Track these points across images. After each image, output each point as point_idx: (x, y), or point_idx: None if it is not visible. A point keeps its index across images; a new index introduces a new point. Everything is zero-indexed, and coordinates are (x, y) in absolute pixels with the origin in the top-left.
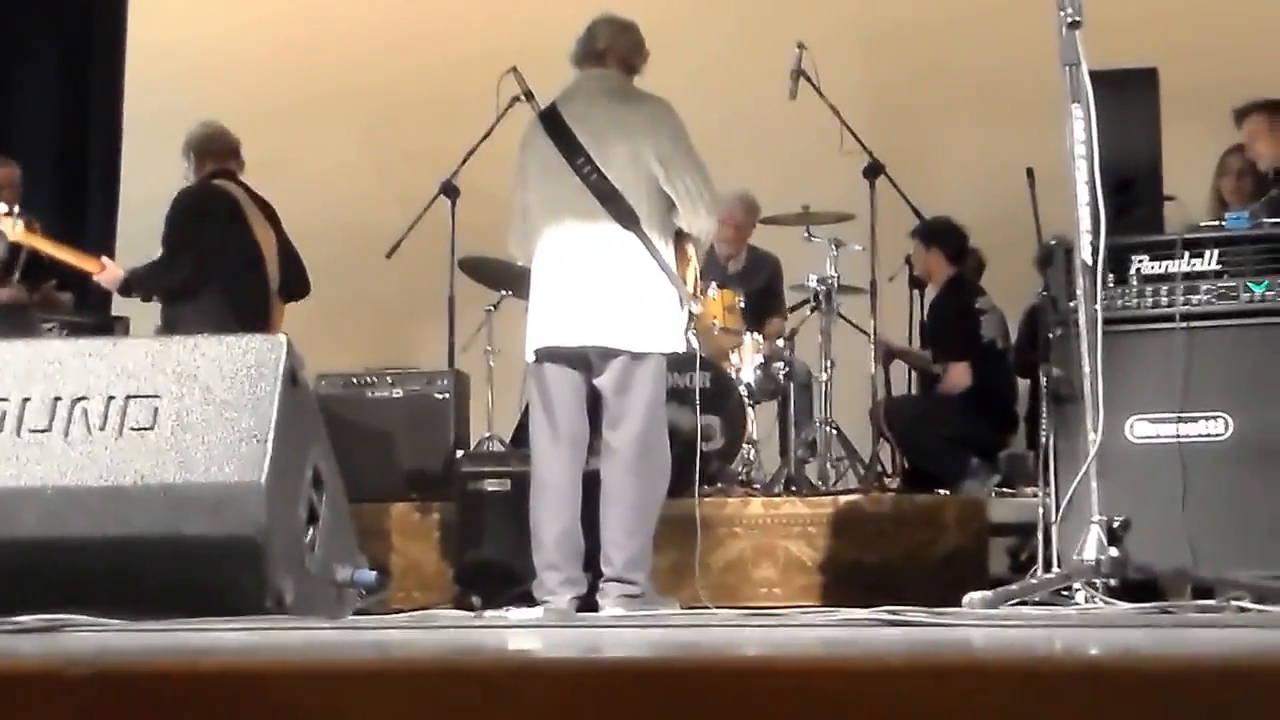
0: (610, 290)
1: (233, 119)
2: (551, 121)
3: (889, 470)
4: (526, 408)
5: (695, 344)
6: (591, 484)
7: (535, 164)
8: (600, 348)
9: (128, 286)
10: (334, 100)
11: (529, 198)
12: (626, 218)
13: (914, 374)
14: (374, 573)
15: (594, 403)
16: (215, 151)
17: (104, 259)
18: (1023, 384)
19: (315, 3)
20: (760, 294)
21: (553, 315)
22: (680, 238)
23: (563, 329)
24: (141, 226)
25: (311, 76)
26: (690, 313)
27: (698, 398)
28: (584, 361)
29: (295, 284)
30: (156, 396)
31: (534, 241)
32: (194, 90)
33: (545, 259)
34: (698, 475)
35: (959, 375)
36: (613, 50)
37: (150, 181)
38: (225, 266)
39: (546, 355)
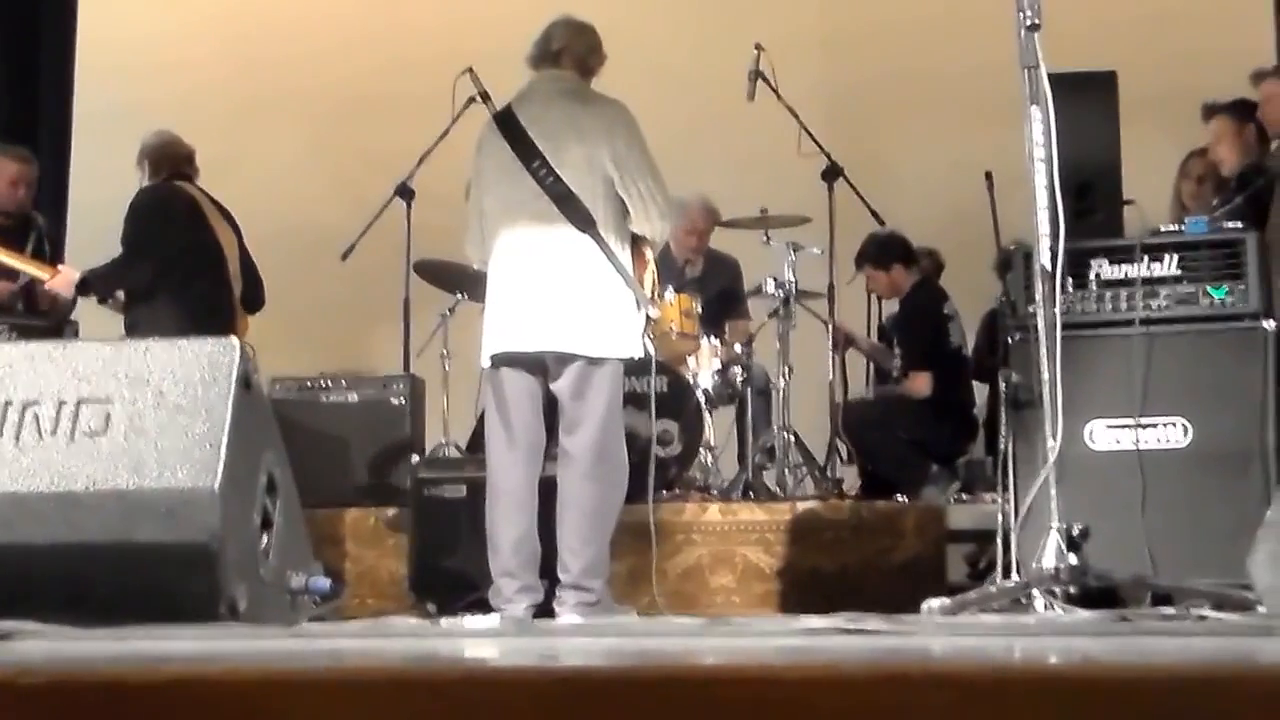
0: (567, 294)
1: (182, 117)
2: (506, 123)
3: (843, 464)
4: (483, 414)
5: (651, 348)
6: (548, 490)
7: (490, 166)
8: (557, 353)
9: (85, 286)
10: (286, 99)
11: (485, 200)
12: (582, 221)
13: (871, 370)
14: (328, 580)
15: (551, 408)
16: (170, 158)
17: (58, 265)
18: (981, 389)
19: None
20: (721, 297)
21: (509, 320)
22: (636, 241)
23: (519, 334)
24: (91, 228)
25: (263, 74)
26: (648, 316)
27: (653, 403)
28: (540, 366)
29: (254, 296)
30: (108, 401)
31: (490, 245)
32: (141, 87)
33: (501, 263)
34: (653, 481)
35: (921, 384)
36: (568, 51)
37: (99, 182)
38: (187, 266)
39: (503, 360)
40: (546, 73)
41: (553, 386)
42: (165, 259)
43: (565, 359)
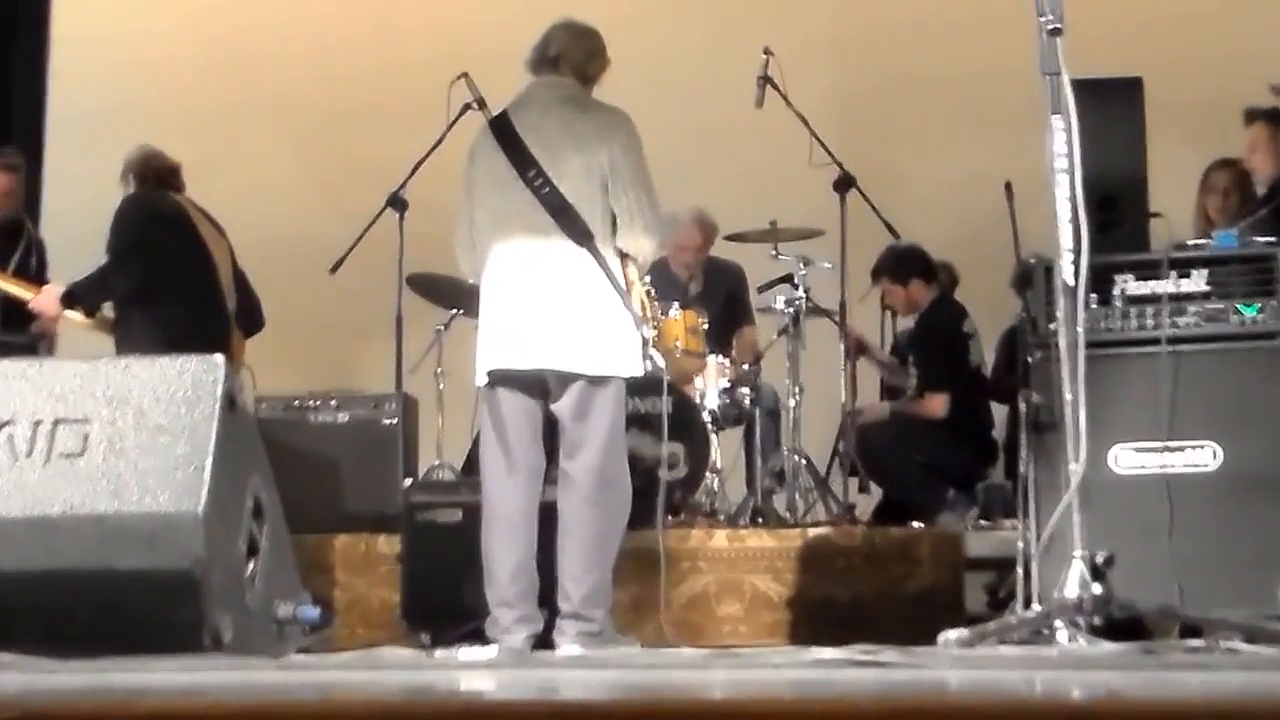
0: (566, 310)
1: (160, 120)
2: (502, 130)
3: (845, 475)
4: (478, 435)
5: (661, 362)
6: (548, 515)
7: (483, 176)
8: (557, 371)
9: (72, 299)
10: (271, 102)
11: (477, 211)
12: (580, 233)
13: (883, 388)
14: (317, 609)
15: (550, 429)
16: (155, 170)
17: (43, 283)
18: (1000, 410)
19: None
20: (726, 307)
21: (505, 336)
22: (623, 259)
23: (516, 351)
24: (65, 235)
25: (246, 76)
26: (644, 338)
27: (665, 424)
28: (539, 386)
29: (252, 316)
30: (86, 421)
31: (482, 258)
32: (116, 88)
33: (495, 276)
34: (662, 506)
35: (936, 405)
36: (566, 57)
37: (73, 186)
38: (176, 274)
39: (500, 379)
40: (544, 79)
41: (553, 407)
42: (153, 266)
43: (566, 378)
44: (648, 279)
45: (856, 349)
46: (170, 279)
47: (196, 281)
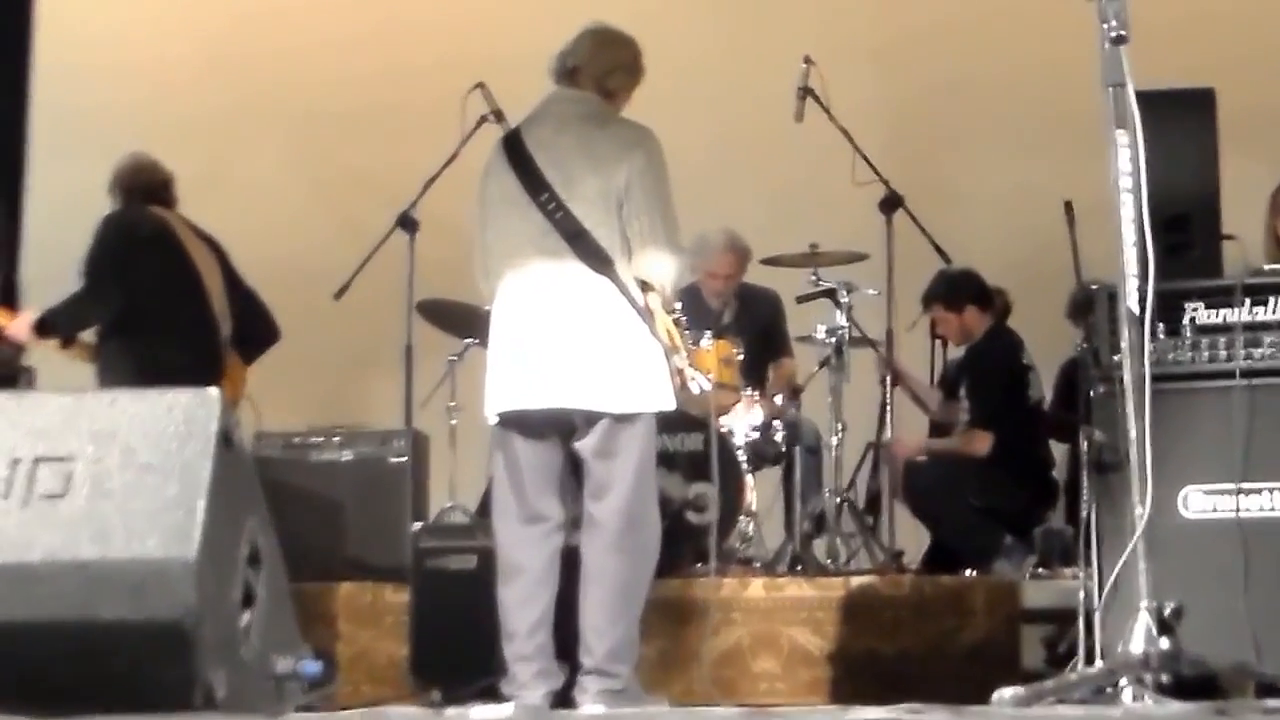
0: (585, 343)
1: (147, 128)
2: (513, 149)
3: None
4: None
5: (707, 384)
6: (570, 560)
7: (496, 196)
8: (581, 411)
9: (45, 327)
10: (268, 109)
11: (487, 234)
12: (597, 260)
13: (931, 424)
14: (318, 664)
15: (573, 467)
16: (144, 185)
17: (14, 309)
18: (1059, 449)
19: None
20: (762, 337)
21: (518, 373)
22: (644, 287)
23: (532, 389)
24: (44, 245)
25: (242, 79)
26: (678, 365)
27: (715, 465)
28: (558, 426)
29: (256, 334)
30: (69, 459)
31: (493, 285)
32: (100, 90)
33: (506, 307)
34: (695, 552)
35: (981, 444)
36: (586, 69)
37: (56, 193)
38: (160, 300)
39: (514, 422)
40: (563, 91)
41: (576, 445)
42: (131, 294)
43: (590, 417)
44: (678, 306)
45: (892, 379)
46: (152, 307)
47: (182, 309)
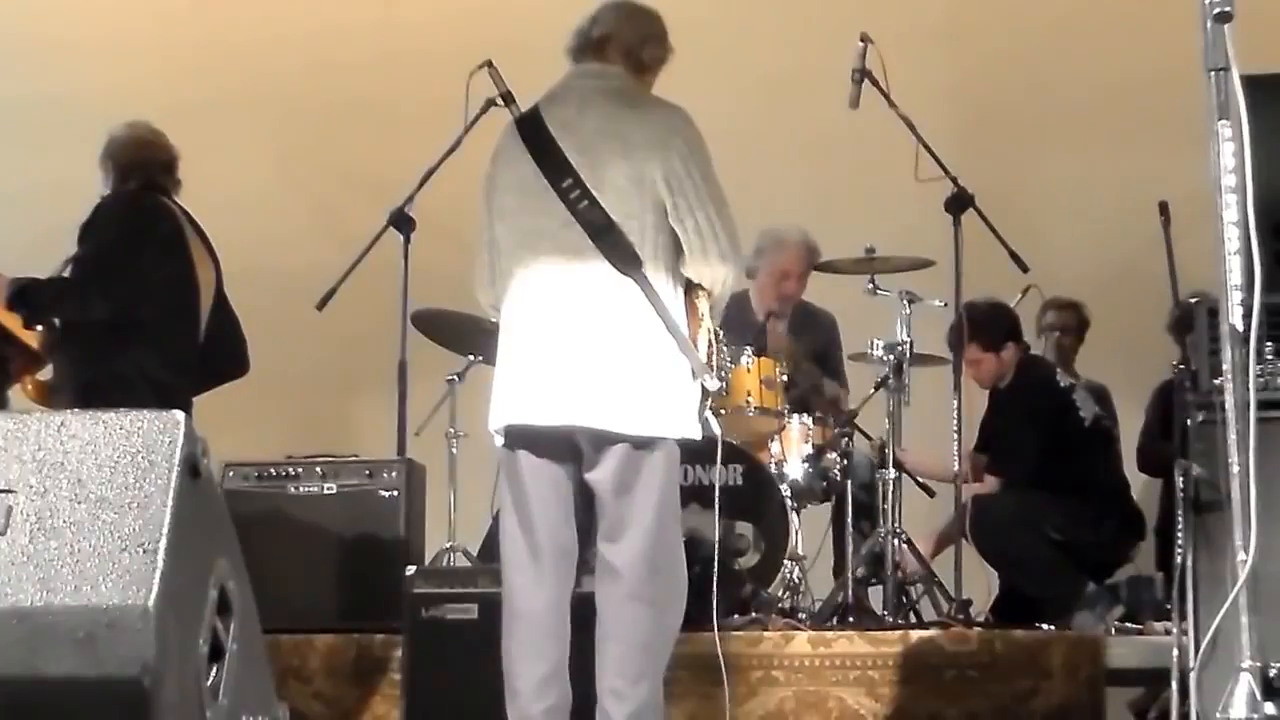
0: (605, 354)
1: (121, 114)
2: (531, 129)
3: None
4: (499, 511)
5: (717, 429)
6: (584, 610)
7: (508, 184)
8: (592, 431)
9: (23, 298)
10: (250, 98)
11: (498, 228)
12: (625, 259)
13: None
14: None
15: (585, 502)
16: (143, 164)
17: None
18: (1153, 486)
19: None
20: (815, 362)
21: (527, 385)
22: (689, 290)
23: (541, 403)
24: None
25: (221, 64)
26: (704, 389)
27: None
28: (570, 448)
29: (221, 363)
30: (9, 492)
31: (504, 286)
32: (70, 73)
33: (517, 309)
34: (725, 601)
35: (986, 484)
36: (615, 40)
37: (7, 182)
38: (158, 308)
39: (520, 439)
40: (586, 67)
41: (588, 476)
42: (135, 293)
43: (603, 439)
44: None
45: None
46: (148, 315)
47: (176, 323)
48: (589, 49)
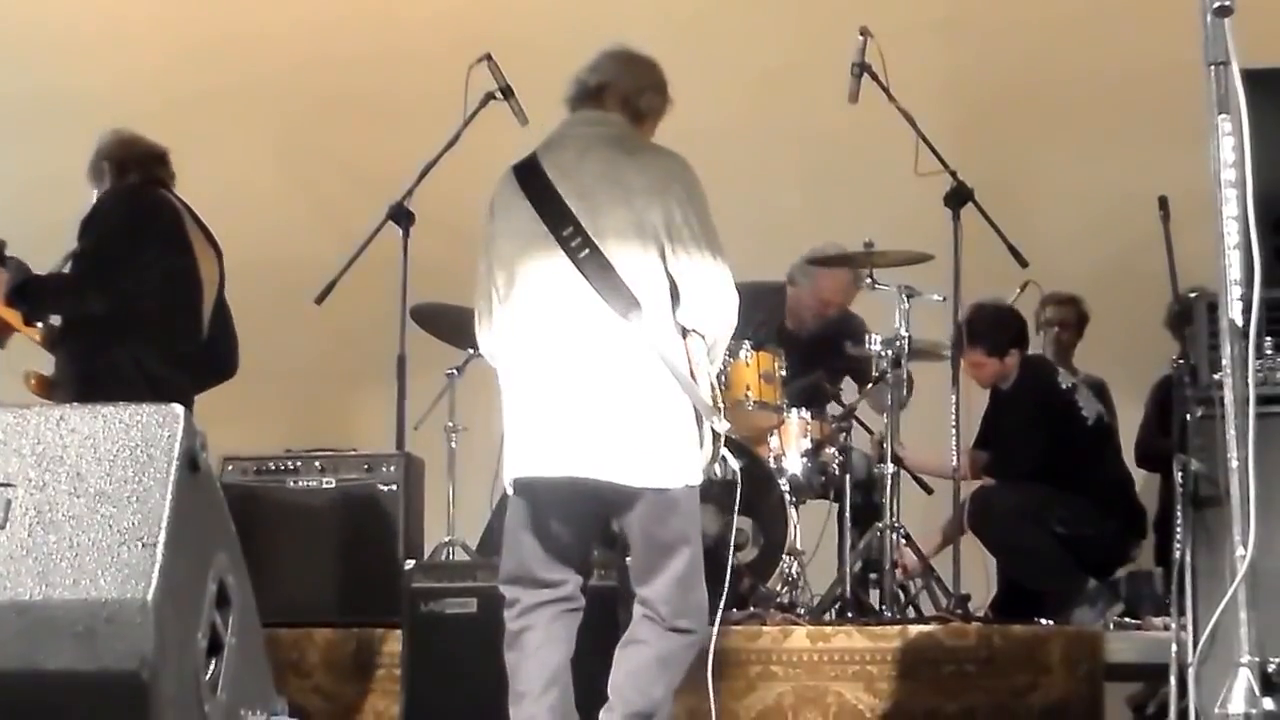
0: (619, 403)
1: (110, 110)
2: (529, 176)
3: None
4: (500, 503)
5: (735, 466)
6: (593, 603)
7: (506, 232)
8: (618, 486)
9: (23, 293)
10: (246, 91)
11: (499, 276)
12: (627, 305)
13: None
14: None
15: (600, 531)
16: (139, 159)
17: None
18: (1152, 480)
19: None
20: (835, 373)
21: (538, 436)
22: (686, 333)
23: (550, 454)
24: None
25: (216, 58)
26: (715, 432)
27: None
28: (584, 496)
29: (223, 354)
30: (8, 485)
31: (504, 335)
32: (65, 69)
33: (520, 360)
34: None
35: (976, 474)
36: (613, 88)
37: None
38: (160, 301)
39: (530, 489)
40: (585, 114)
41: (615, 524)
42: (135, 287)
43: (631, 495)
44: (727, 360)
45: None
46: (147, 309)
47: (176, 318)
48: (587, 97)
